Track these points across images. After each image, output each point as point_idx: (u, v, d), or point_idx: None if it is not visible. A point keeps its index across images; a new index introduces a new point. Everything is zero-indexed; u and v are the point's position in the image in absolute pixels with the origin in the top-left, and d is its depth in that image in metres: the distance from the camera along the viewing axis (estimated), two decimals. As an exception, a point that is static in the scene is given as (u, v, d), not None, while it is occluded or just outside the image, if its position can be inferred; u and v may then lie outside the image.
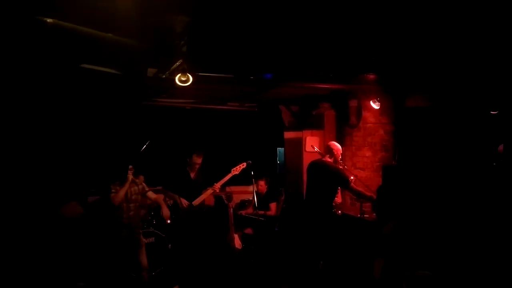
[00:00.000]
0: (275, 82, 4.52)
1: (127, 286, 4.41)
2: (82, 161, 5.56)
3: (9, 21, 2.92)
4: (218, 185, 4.96)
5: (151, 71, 4.37)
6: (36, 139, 4.97)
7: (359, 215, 4.85)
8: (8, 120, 4.63)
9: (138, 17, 2.92)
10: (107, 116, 5.82)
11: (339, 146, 4.72)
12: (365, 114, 5.45)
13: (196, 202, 4.95)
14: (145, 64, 4.24)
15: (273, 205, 5.86)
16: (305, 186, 5.05)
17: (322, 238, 4.45)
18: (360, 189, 4.62)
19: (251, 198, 5.64)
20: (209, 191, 4.97)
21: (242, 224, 5.65)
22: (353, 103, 5.65)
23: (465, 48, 3.66)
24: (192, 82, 3.88)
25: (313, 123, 6.17)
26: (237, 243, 5.35)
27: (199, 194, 4.98)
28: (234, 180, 5.15)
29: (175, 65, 3.88)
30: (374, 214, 4.78)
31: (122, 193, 4.07)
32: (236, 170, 5.02)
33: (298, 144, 6.02)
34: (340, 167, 4.75)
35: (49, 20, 2.86)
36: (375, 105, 5.01)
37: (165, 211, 4.40)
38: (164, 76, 4.24)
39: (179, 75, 3.84)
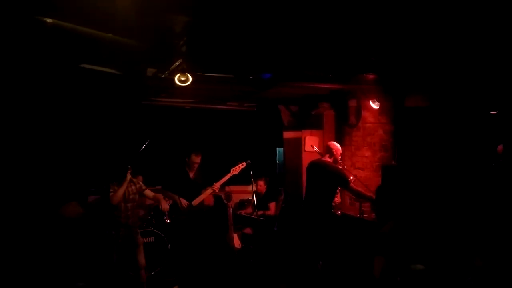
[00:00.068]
0: (274, 82, 4.52)
1: (126, 285, 4.42)
2: (82, 160, 5.56)
3: (9, 21, 2.92)
4: (217, 185, 4.96)
5: (150, 71, 4.37)
6: (36, 139, 4.97)
7: (358, 215, 4.86)
8: (8, 120, 4.63)
9: (137, 17, 2.92)
10: (107, 116, 5.82)
11: (338, 146, 4.73)
12: (365, 114, 5.45)
13: (196, 202, 4.95)
14: (145, 64, 4.25)
15: (272, 205, 5.87)
16: (304, 186, 5.05)
17: (321, 238, 4.45)
18: (359, 189, 4.62)
19: (250, 198, 5.64)
20: (209, 191, 4.97)
21: (242, 224, 5.65)
22: (352, 103, 5.65)
23: (464, 48, 3.67)
24: (191, 82, 3.88)
25: (313, 123, 6.18)
26: (237, 242, 5.35)
27: (198, 194, 4.98)
28: (234, 180, 5.15)
29: (174, 65, 3.88)
30: (374, 214, 4.79)
31: (120, 192, 4.08)
32: (236, 170, 5.02)
33: (298, 144, 6.02)
34: (340, 167, 4.76)
35: (49, 20, 2.87)
36: (374, 105, 5.02)
37: (164, 205, 4.40)
38: (163, 76, 4.24)
39: (178, 75, 3.85)
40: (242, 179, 5.23)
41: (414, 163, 4.62)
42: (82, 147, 5.62)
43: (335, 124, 6.05)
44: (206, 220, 5.30)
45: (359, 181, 5.05)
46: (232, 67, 4.19)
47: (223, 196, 5.32)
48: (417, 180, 4.24)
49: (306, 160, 5.45)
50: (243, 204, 6.15)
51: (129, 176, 4.17)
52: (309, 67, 4.38)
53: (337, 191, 4.80)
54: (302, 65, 4.31)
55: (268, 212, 5.76)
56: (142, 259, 4.27)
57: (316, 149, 5.35)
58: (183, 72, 3.81)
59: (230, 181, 5.13)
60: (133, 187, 4.23)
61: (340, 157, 4.75)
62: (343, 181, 4.50)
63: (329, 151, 4.66)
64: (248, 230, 5.62)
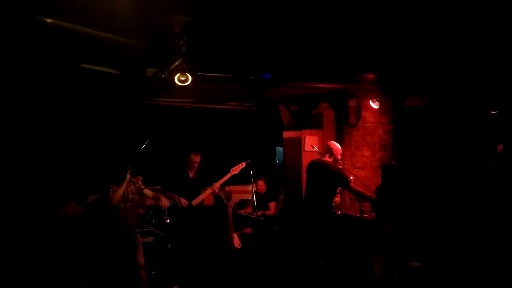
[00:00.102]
0: (274, 81, 4.52)
1: (125, 285, 4.42)
2: (82, 160, 5.56)
3: (9, 21, 2.92)
4: (217, 185, 4.96)
5: (150, 71, 4.37)
6: (35, 139, 4.97)
7: (358, 215, 4.86)
8: (8, 120, 4.63)
9: (137, 17, 2.92)
10: (107, 116, 5.82)
11: (338, 146, 4.73)
12: (364, 113, 5.45)
13: (195, 201, 4.95)
14: (145, 64, 4.24)
15: (272, 205, 5.87)
16: (304, 186, 5.05)
17: (321, 238, 4.45)
18: (359, 189, 4.63)
19: (250, 198, 5.64)
20: (208, 190, 4.97)
21: (241, 224, 5.65)
22: (352, 102, 5.65)
23: (464, 48, 3.67)
24: (191, 81, 3.88)
25: (312, 123, 6.18)
26: (236, 242, 5.35)
27: (198, 193, 4.98)
28: (233, 180, 5.15)
29: (174, 65, 3.88)
30: (373, 213, 4.79)
31: (120, 192, 4.08)
32: (236, 169, 5.02)
33: (297, 144, 6.02)
34: (340, 167, 4.76)
35: (49, 20, 2.87)
36: (374, 105, 5.02)
37: (164, 201, 4.38)
38: (163, 75, 4.24)
39: (178, 74, 3.85)
40: (242, 179, 5.23)
41: (414, 163, 4.62)
42: (82, 147, 5.62)
43: (335, 124, 6.05)
44: (206, 220, 5.30)
45: (359, 181, 5.05)
46: (231, 67, 4.19)
47: (223, 196, 5.32)
48: (417, 180, 4.25)
49: (306, 160, 5.45)
50: (243, 204, 6.15)
51: (128, 176, 4.17)
52: (308, 66, 4.38)
53: (337, 191, 4.80)
54: (302, 65, 4.31)
55: (268, 212, 5.76)
56: (141, 258, 4.27)
57: (316, 149, 5.35)
58: (182, 72, 3.81)
59: (230, 181, 5.13)
60: (132, 187, 4.24)
61: (340, 157, 4.75)
62: (343, 181, 4.50)
63: (329, 151, 4.66)
64: (248, 230, 5.63)
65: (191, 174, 5.06)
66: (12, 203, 4.55)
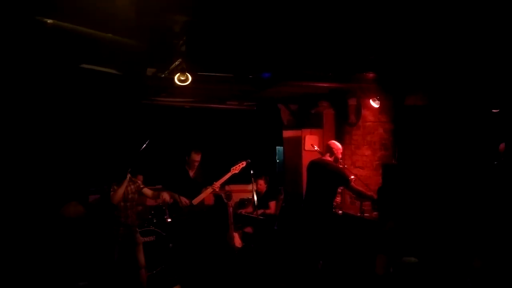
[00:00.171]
0: (273, 81, 4.53)
1: (127, 284, 4.42)
2: (82, 160, 5.56)
3: (10, 22, 2.92)
4: (217, 184, 4.96)
5: (150, 71, 4.37)
6: (36, 139, 4.97)
7: (359, 214, 4.86)
8: (9, 120, 4.63)
9: (137, 17, 2.92)
10: (107, 116, 5.82)
11: (339, 145, 4.73)
12: (365, 112, 5.45)
13: (196, 201, 4.95)
14: (145, 64, 4.25)
15: (272, 204, 5.87)
16: (304, 185, 5.05)
17: (322, 237, 4.46)
18: (360, 188, 4.63)
19: (250, 197, 5.64)
20: (209, 190, 4.98)
21: (242, 223, 5.66)
22: (352, 101, 5.65)
23: (466, 46, 3.67)
24: (191, 81, 3.88)
25: (312, 122, 6.18)
26: (237, 242, 5.36)
27: (199, 193, 4.98)
28: (234, 179, 5.15)
29: (174, 65, 3.88)
30: (374, 212, 4.79)
31: (120, 192, 4.10)
32: (236, 169, 5.02)
33: (297, 143, 6.03)
34: (341, 166, 4.76)
35: (49, 20, 2.87)
36: (374, 104, 5.02)
37: (165, 195, 4.38)
38: (163, 75, 4.25)
39: (178, 74, 3.85)
40: (242, 178, 5.23)
41: (414, 162, 4.62)
42: (82, 147, 5.62)
43: (335, 123, 6.05)
44: (207, 219, 5.31)
45: (359, 180, 5.06)
46: (231, 66, 4.19)
47: (223, 195, 5.32)
48: (418, 179, 4.25)
49: (306, 159, 5.45)
50: (243, 203, 6.15)
51: (128, 176, 4.18)
52: (308, 66, 4.38)
53: (339, 190, 4.79)
54: (302, 64, 4.31)
55: (268, 211, 5.77)
56: (141, 258, 4.28)
57: (316, 148, 5.36)
58: (182, 72, 3.81)
59: (230, 180, 5.14)
60: (132, 186, 4.25)
61: (340, 156, 4.76)
62: (343, 180, 4.50)
63: (330, 150, 4.66)
64: (248, 229, 5.63)
65: (191, 173, 5.06)
66: (13, 203, 4.56)
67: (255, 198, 4.98)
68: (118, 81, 4.48)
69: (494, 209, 3.48)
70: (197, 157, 4.99)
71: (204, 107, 6.44)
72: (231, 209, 5.29)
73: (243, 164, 5.03)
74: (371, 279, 4.23)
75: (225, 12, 3.03)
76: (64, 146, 5.39)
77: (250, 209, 5.82)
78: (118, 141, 5.76)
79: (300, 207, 4.83)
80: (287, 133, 6.48)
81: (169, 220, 4.99)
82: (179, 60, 3.76)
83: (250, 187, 5.13)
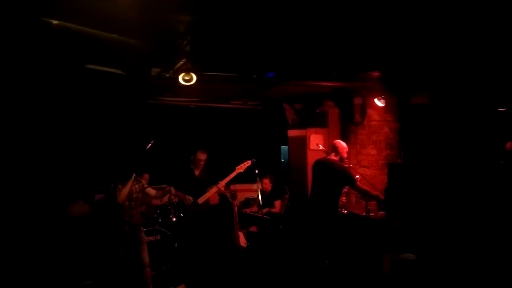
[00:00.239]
0: (278, 80, 4.52)
1: (132, 283, 4.45)
2: (88, 160, 5.60)
3: (16, 23, 2.95)
4: (222, 183, 4.97)
5: (155, 71, 4.39)
6: (43, 139, 5.02)
7: (364, 214, 4.84)
8: (16, 120, 4.68)
9: (142, 17, 2.93)
10: (112, 115, 5.85)
11: (344, 144, 4.70)
12: (370, 111, 5.42)
13: (201, 200, 4.96)
14: (149, 64, 4.27)
15: (277, 203, 5.86)
16: (309, 185, 5.04)
17: (327, 237, 4.44)
18: (366, 187, 4.60)
19: (255, 196, 5.64)
20: (214, 189, 4.98)
21: (247, 222, 5.66)
22: (357, 100, 5.62)
23: (473, 44, 3.63)
24: (195, 81, 3.89)
25: (317, 121, 6.16)
26: (242, 241, 5.36)
27: (204, 192, 4.99)
28: (239, 178, 5.15)
29: (178, 64, 3.90)
30: (380, 212, 4.77)
31: (125, 191, 4.12)
32: (241, 168, 5.02)
33: (302, 142, 6.01)
34: (346, 165, 4.74)
35: (54, 21, 2.89)
36: (380, 103, 4.99)
37: (171, 189, 4.38)
38: (168, 75, 4.26)
39: (182, 74, 3.86)
40: (247, 177, 5.23)
41: (420, 161, 4.59)
42: (88, 146, 5.66)
43: (340, 122, 6.02)
44: (212, 218, 5.31)
45: (365, 179, 5.03)
46: (236, 66, 4.20)
47: (228, 194, 5.33)
48: (424, 179, 4.22)
49: (311, 159, 5.44)
50: (248, 202, 6.15)
51: (133, 175, 4.20)
52: (313, 65, 4.37)
53: (345, 190, 4.77)
54: (306, 63, 4.30)
55: (273, 210, 5.76)
56: (146, 257, 4.30)
57: (321, 147, 5.34)
58: (187, 72, 3.82)
59: (235, 180, 5.14)
60: (136, 185, 4.27)
61: (346, 156, 4.73)
62: (349, 180, 4.48)
63: (335, 149, 4.64)
64: (253, 229, 5.63)
65: (197, 173, 5.07)
66: (20, 203, 4.60)
67: (260, 197, 4.98)
68: (123, 81, 4.50)
69: (499, 209, 3.45)
70: (202, 157, 5.00)
71: (208, 106, 6.45)
72: (236, 209, 5.29)
73: (248, 163, 5.03)
74: (377, 279, 4.22)
75: (230, 12, 3.03)
76: (70, 145, 5.43)
77: (255, 209, 5.81)
78: (123, 141, 5.79)
79: (305, 207, 4.82)
80: (292, 133, 6.46)
81: (174, 219, 5.00)
82: (184, 59, 3.77)
83: (255, 186, 5.13)
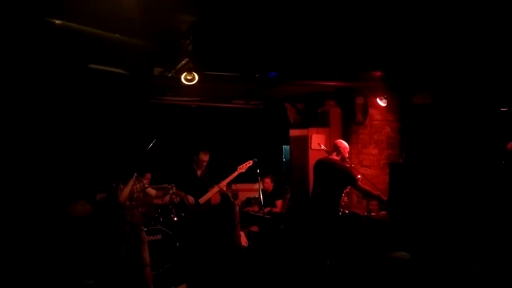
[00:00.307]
0: (280, 80, 4.52)
1: (133, 283, 4.46)
2: (90, 159, 5.62)
3: (19, 23, 2.96)
4: (224, 183, 4.98)
5: (157, 70, 4.40)
6: (45, 138, 5.03)
7: (366, 214, 4.84)
8: (18, 119, 4.69)
9: (144, 17, 2.94)
10: (115, 115, 5.86)
11: (346, 144, 4.70)
12: (371, 111, 5.41)
13: (203, 200, 4.97)
14: (151, 63, 4.27)
15: (279, 203, 5.87)
16: (311, 184, 5.04)
17: (329, 237, 4.44)
18: (367, 187, 4.60)
19: (257, 196, 5.65)
20: (215, 189, 4.99)
21: (248, 222, 5.67)
22: (359, 100, 5.62)
23: (475, 44, 3.63)
24: (197, 80, 3.90)
25: (319, 121, 6.16)
26: (243, 240, 5.37)
27: (205, 192, 5.00)
28: (240, 178, 5.16)
29: (181, 64, 3.90)
30: (381, 212, 4.77)
31: (126, 191, 4.12)
32: (242, 168, 5.03)
33: (304, 142, 6.01)
34: (347, 165, 4.74)
35: (57, 21, 2.90)
36: (382, 103, 4.99)
37: (173, 187, 4.39)
38: (170, 75, 4.27)
39: (185, 74, 3.87)
40: (248, 177, 5.24)
41: (422, 161, 4.59)
42: (90, 146, 5.67)
43: (342, 122, 6.02)
44: (213, 218, 5.32)
45: (366, 179, 5.03)
46: (238, 65, 4.20)
47: (229, 194, 5.33)
48: (425, 179, 4.21)
49: (312, 158, 5.44)
50: (249, 202, 6.16)
51: (135, 175, 4.21)
52: (315, 64, 4.37)
53: (347, 190, 4.76)
54: (308, 63, 4.30)
55: (274, 209, 5.76)
56: (147, 256, 4.31)
57: (323, 147, 5.34)
58: (189, 71, 3.83)
59: (237, 179, 5.15)
60: (137, 185, 4.27)
61: (347, 155, 4.73)
62: (350, 180, 4.48)
63: (337, 149, 4.64)
64: (254, 228, 5.63)
65: (199, 173, 5.08)
66: (22, 202, 4.62)
67: (262, 197, 4.98)
68: (126, 81, 4.51)
69: (499, 210, 3.45)
70: (205, 157, 5.00)
71: (210, 106, 6.46)
72: (237, 208, 5.30)
73: (249, 163, 5.04)
74: (379, 279, 4.21)
75: (232, 12, 3.03)
76: (72, 145, 5.44)
77: (256, 208, 5.82)
78: (125, 140, 5.80)
79: (306, 206, 4.82)
80: (293, 132, 6.46)
81: (175, 219, 5.01)
82: (186, 59, 3.78)
83: (256, 186, 5.14)
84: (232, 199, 5.29)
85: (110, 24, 3.07)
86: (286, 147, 7.07)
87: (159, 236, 5.07)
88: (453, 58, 3.99)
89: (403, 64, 4.40)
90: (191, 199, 4.92)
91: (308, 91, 5.80)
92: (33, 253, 4.41)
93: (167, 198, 5.05)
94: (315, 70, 4.56)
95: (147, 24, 3.11)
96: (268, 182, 5.87)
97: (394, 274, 3.64)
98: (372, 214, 4.80)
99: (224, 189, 5.05)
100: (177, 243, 5.11)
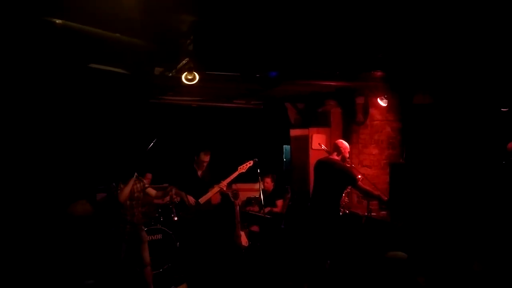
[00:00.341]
0: (280, 80, 4.52)
1: (133, 282, 4.46)
2: (90, 158, 5.62)
3: (20, 23, 2.96)
4: (224, 183, 4.98)
5: (157, 70, 4.40)
6: (45, 138, 5.03)
7: (366, 213, 4.84)
8: (19, 119, 4.70)
9: (144, 17, 2.94)
10: (115, 115, 5.87)
11: (346, 144, 4.70)
12: (372, 111, 5.41)
13: (203, 199, 4.97)
14: (152, 63, 4.28)
15: (279, 203, 5.87)
16: (311, 184, 5.04)
17: (329, 237, 4.44)
18: (367, 187, 4.60)
19: (257, 196, 5.65)
20: (216, 189, 4.99)
21: (249, 222, 5.67)
22: (359, 100, 5.62)
23: (475, 44, 3.63)
24: (198, 80, 3.90)
25: (319, 121, 6.15)
26: (244, 240, 5.37)
27: (206, 192, 5.00)
28: (240, 178, 5.16)
29: (181, 64, 3.91)
30: (382, 212, 4.77)
31: (127, 190, 4.13)
32: (243, 168, 5.02)
33: (304, 142, 6.01)
34: (348, 165, 4.74)
35: (58, 21, 2.90)
36: (382, 102, 4.99)
37: (173, 188, 4.41)
38: (170, 74, 4.27)
39: (185, 73, 3.87)
40: (249, 176, 5.23)
41: (422, 161, 4.59)
42: (91, 145, 5.68)
43: (342, 122, 6.02)
44: (214, 218, 5.32)
45: (366, 179, 5.03)
46: (238, 65, 4.20)
47: (230, 194, 5.33)
48: (425, 178, 4.21)
49: (313, 158, 5.43)
50: (250, 202, 6.16)
51: (135, 174, 4.21)
52: (315, 64, 4.37)
53: (347, 190, 4.76)
54: (309, 63, 4.31)
55: (275, 209, 5.77)
56: (147, 256, 4.31)
57: (323, 147, 5.33)
58: (190, 71, 3.83)
59: (237, 179, 5.14)
60: (138, 185, 4.28)
61: (348, 155, 4.73)
62: (351, 180, 4.48)
63: (337, 149, 4.64)
64: (255, 228, 5.64)
65: (199, 173, 5.08)
66: (22, 202, 4.62)
67: (262, 196, 4.98)
68: (126, 80, 4.51)
69: (499, 210, 3.44)
70: (206, 158, 5.00)
71: (211, 106, 6.46)
72: (238, 208, 5.30)
73: (250, 163, 5.04)
74: (379, 279, 4.21)
75: (232, 12, 3.03)
76: (73, 144, 5.45)
77: (256, 208, 5.82)
78: (125, 140, 5.81)
79: (307, 206, 4.82)
80: (294, 132, 6.46)
81: (176, 218, 5.01)
82: (187, 59, 3.78)
83: (257, 186, 5.13)
84: (232, 199, 5.29)
85: (111, 23, 3.07)
86: (286, 147, 7.06)
87: (159, 236, 5.08)
88: (454, 58, 3.99)
89: (403, 64, 4.40)
90: (191, 199, 4.92)
91: (309, 91, 5.80)
92: (33, 253, 4.41)
93: (167, 198, 5.05)
94: (315, 70, 4.56)
95: (148, 24, 3.11)
96: (269, 182, 5.87)
97: (394, 274, 3.63)
98: (372, 214, 4.80)
99: (225, 189, 5.05)
100: (178, 243, 5.11)
